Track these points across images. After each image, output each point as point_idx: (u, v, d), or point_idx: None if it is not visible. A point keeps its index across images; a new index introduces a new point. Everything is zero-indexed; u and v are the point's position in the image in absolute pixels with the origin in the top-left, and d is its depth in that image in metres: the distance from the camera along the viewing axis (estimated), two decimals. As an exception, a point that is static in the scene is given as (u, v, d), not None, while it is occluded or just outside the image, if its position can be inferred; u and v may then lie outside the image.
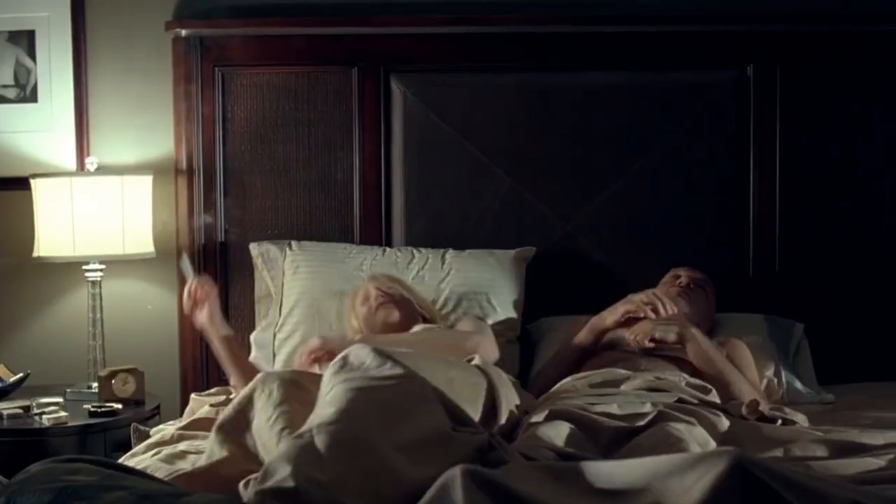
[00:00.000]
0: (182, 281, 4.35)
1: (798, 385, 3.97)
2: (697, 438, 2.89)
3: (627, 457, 2.79)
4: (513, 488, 2.13)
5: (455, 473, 2.10)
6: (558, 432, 2.89)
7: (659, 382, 3.42)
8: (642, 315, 3.77)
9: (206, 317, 3.78)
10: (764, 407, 3.35)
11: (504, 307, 4.19)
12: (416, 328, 3.79)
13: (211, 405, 3.52)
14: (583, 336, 3.85)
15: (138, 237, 4.29)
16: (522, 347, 4.20)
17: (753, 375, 3.79)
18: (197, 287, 3.77)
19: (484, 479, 2.10)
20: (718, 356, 3.66)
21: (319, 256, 4.25)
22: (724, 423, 3.16)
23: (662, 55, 4.45)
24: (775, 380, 3.94)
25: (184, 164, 4.41)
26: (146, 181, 4.35)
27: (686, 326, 3.69)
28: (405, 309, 3.87)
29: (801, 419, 3.35)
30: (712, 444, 2.90)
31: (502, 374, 3.18)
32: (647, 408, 3.07)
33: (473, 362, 3.18)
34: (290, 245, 4.30)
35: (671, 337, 3.66)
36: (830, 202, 4.44)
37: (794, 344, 4.18)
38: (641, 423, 2.99)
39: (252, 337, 4.23)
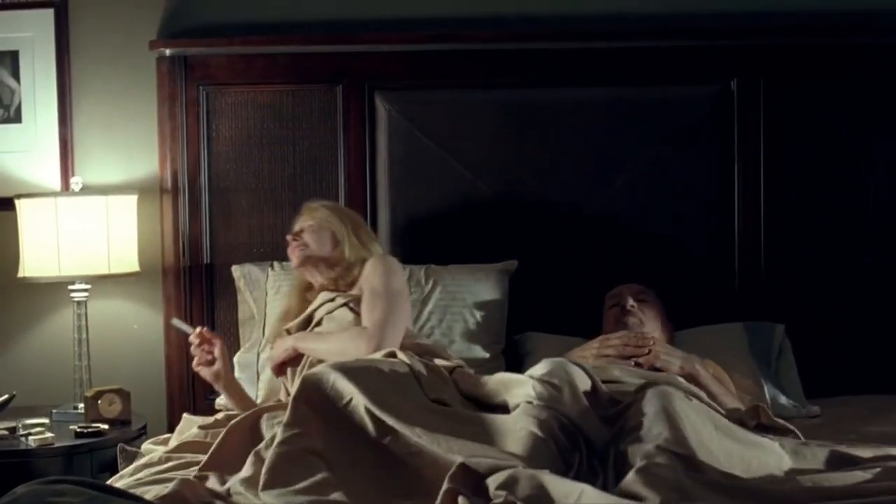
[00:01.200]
0: (169, 301, 4.37)
1: (783, 399, 3.98)
2: (690, 417, 2.89)
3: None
4: None
5: None
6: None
7: (656, 376, 3.44)
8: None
9: (213, 374, 3.78)
10: (766, 416, 3.36)
11: (488, 321, 4.19)
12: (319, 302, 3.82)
13: (200, 427, 3.51)
14: None
15: (123, 257, 4.28)
16: (509, 359, 4.20)
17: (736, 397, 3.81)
18: (203, 341, 3.77)
19: None
20: (717, 388, 3.67)
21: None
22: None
23: (645, 70, 4.46)
24: (756, 396, 3.94)
25: (169, 184, 4.41)
26: (131, 201, 4.35)
27: (689, 359, 3.68)
28: (314, 251, 3.87)
29: (794, 429, 3.35)
30: (700, 424, 2.90)
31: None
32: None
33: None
34: (272, 266, 4.30)
35: (674, 368, 3.65)
36: (815, 215, 4.45)
37: (776, 347, 4.19)
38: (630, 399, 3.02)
39: (235, 358, 4.22)
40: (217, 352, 3.77)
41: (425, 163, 4.43)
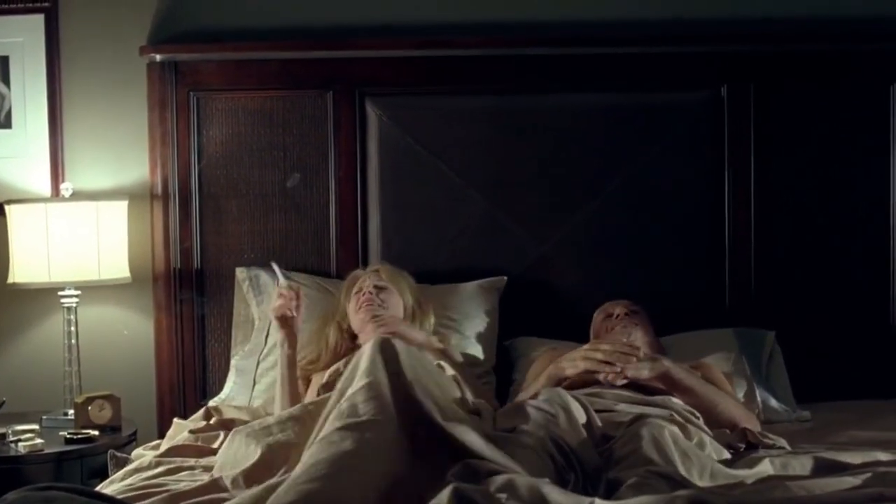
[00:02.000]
0: (159, 307, 4.37)
1: (773, 403, 3.99)
2: (680, 443, 2.89)
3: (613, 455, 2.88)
4: None
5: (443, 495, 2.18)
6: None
7: (647, 399, 3.44)
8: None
9: (286, 323, 3.74)
10: (753, 436, 3.36)
11: (478, 338, 4.20)
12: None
13: (190, 431, 3.50)
14: (542, 384, 3.68)
15: (114, 263, 4.28)
16: (500, 364, 4.21)
17: (732, 393, 3.80)
18: (290, 291, 3.75)
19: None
20: (696, 381, 3.64)
21: (310, 292, 4.19)
22: (709, 441, 3.18)
23: (635, 77, 4.47)
24: (748, 400, 3.95)
25: (159, 189, 4.41)
26: (121, 206, 4.34)
27: (657, 360, 3.64)
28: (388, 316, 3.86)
29: (782, 443, 3.36)
30: (691, 450, 2.91)
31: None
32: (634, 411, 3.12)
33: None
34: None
35: (644, 374, 3.61)
36: (805, 221, 4.46)
37: (767, 353, 4.20)
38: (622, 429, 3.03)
39: (234, 362, 4.22)
40: (300, 311, 3.76)
41: (416, 169, 4.43)
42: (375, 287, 3.92)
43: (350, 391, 2.73)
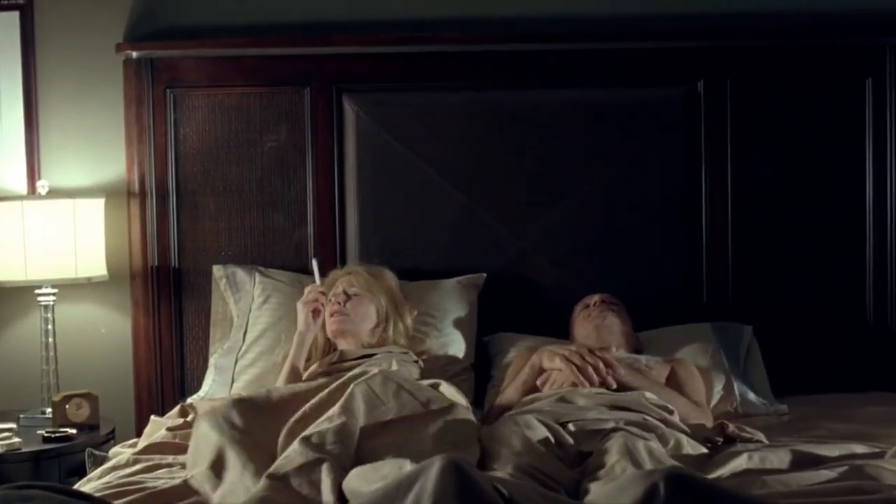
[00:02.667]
0: (136, 304, 4.36)
1: (751, 396, 4.00)
2: (654, 453, 2.90)
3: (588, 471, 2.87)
4: (481, 484, 2.21)
5: (435, 459, 2.22)
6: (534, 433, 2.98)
7: (621, 398, 3.44)
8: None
9: (309, 323, 3.89)
10: (732, 430, 3.37)
11: (457, 335, 4.19)
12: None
13: (168, 429, 3.50)
14: (528, 377, 3.76)
15: (91, 260, 4.26)
16: (479, 361, 4.21)
17: (700, 396, 3.81)
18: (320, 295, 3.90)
19: (458, 468, 2.21)
20: (648, 385, 3.67)
21: (288, 290, 4.24)
22: (685, 441, 3.19)
23: (612, 72, 4.47)
24: (726, 393, 3.97)
25: (136, 187, 4.40)
26: (98, 204, 4.33)
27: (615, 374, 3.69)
28: (355, 325, 3.92)
29: (760, 437, 3.38)
30: (667, 460, 2.92)
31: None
32: (609, 425, 3.11)
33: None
34: (259, 270, 4.30)
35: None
36: (782, 216, 4.47)
37: (744, 347, 4.22)
38: (598, 439, 3.03)
39: (213, 360, 4.21)
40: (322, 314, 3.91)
41: (394, 165, 4.43)
42: (345, 294, 3.95)
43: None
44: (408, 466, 2.55)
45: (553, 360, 3.69)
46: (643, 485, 2.24)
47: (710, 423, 3.55)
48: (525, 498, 2.33)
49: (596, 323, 3.97)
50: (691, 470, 2.53)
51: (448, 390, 3.37)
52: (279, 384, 3.77)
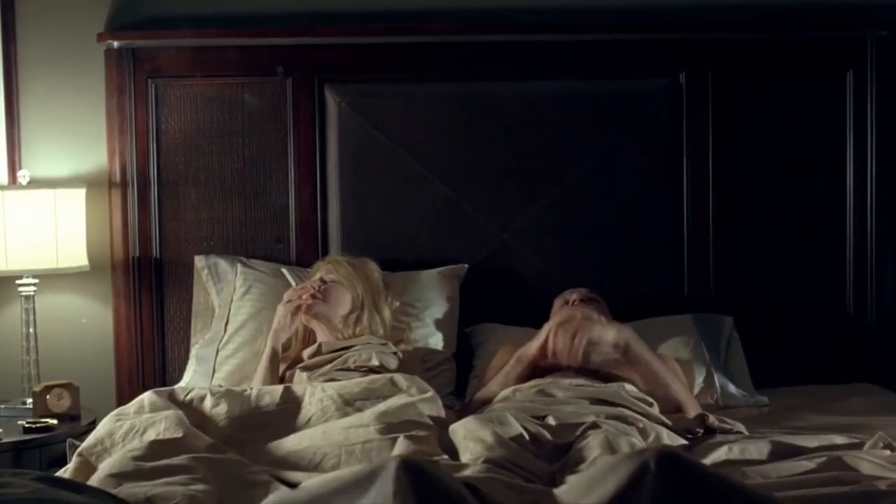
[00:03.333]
0: (118, 294, 4.36)
1: (732, 388, 4.02)
2: (636, 448, 2.90)
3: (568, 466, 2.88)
4: (442, 480, 2.21)
5: (391, 460, 2.20)
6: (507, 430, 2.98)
7: (601, 391, 3.45)
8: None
9: (289, 322, 3.88)
10: (713, 421, 3.38)
11: (438, 326, 4.19)
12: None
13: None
14: (514, 371, 3.77)
15: (72, 251, 4.25)
16: (460, 351, 4.21)
17: (682, 381, 3.84)
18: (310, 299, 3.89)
19: (417, 469, 2.19)
20: (653, 357, 3.71)
21: (270, 280, 4.25)
22: (665, 435, 3.20)
23: (595, 64, 4.48)
24: (706, 385, 3.98)
25: (117, 177, 4.38)
26: (79, 194, 4.32)
27: (624, 326, 3.71)
28: (328, 308, 3.93)
29: (740, 428, 3.39)
30: None
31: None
32: (589, 419, 3.11)
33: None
34: (240, 261, 4.29)
35: (610, 336, 3.67)
36: (763, 208, 4.48)
37: (725, 339, 4.24)
38: (577, 433, 3.03)
39: (194, 350, 4.21)
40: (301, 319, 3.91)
41: (376, 156, 4.42)
42: (322, 280, 3.97)
43: None
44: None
45: (530, 346, 3.73)
46: (634, 463, 2.24)
47: (695, 411, 3.56)
48: (491, 490, 2.33)
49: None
50: (682, 450, 2.53)
51: (402, 381, 3.39)
52: (256, 381, 3.79)
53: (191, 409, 3.25)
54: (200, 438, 3.03)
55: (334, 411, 3.23)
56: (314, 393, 3.32)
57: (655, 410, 3.45)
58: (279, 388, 3.37)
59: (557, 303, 4.11)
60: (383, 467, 2.19)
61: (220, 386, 3.61)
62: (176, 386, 3.72)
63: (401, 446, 2.93)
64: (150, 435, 3.04)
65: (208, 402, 3.28)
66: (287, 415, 3.27)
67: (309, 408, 3.27)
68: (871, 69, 4.46)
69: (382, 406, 3.19)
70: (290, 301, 3.90)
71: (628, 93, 4.46)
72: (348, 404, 3.25)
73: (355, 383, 3.36)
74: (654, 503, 2.17)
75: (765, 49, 4.48)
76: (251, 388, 3.42)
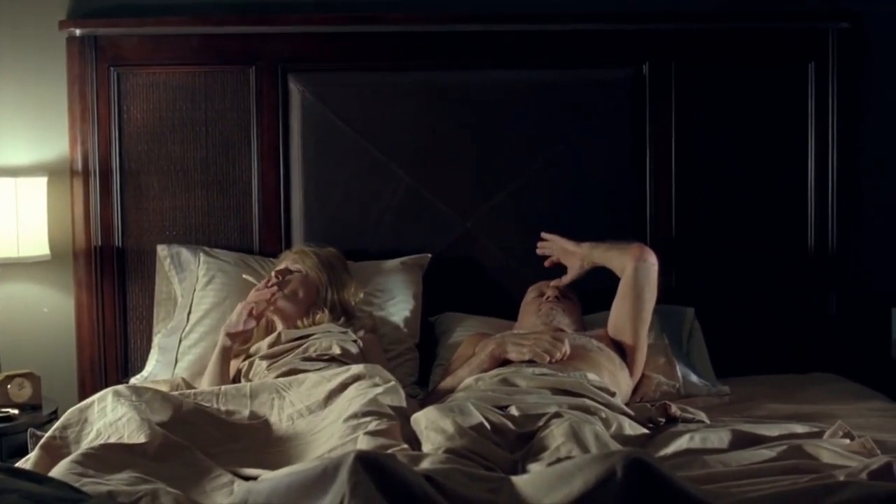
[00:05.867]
0: (80, 284, 4.33)
1: (693, 377, 4.04)
2: (601, 437, 2.91)
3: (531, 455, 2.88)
4: (400, 473, 2.21)
5: (348, 455, 2.20)
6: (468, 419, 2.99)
7: (563, 381, 3.46)
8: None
9: (243, 322, 3.83)
10: (675, 410, 3.40)
11: (401, 315, 4.21)
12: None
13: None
14: (484, 363, 3.75)
15: (33, 239, 4.23)
16: (425, 341, 4.23)
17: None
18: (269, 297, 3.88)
19: (375, 462, 2.19)
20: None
21: (233, 270, 4.24)
22: (627, 425, 3.22)
23: (559, 53, 4.49)
24: (668, 375, 4.01)
25: (79, 165, 4.36)
26: (41, 183, 4.30)
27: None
28: (288, 300, 3.94)
29: (702, 417, 3.41)
30: (612, 444, 2.93)
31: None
32: (552, 409, 3.12)
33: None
34: (203, 250, 4.28)
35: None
36: (725, 199, 4.51)
37: (687, 329, 4.27)
38: (540, 423, 3.04)
39: (157, 340, 4.19)
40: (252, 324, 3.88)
41: (340, 146, 4.42)
42: (287, 270, 3.98)
43: None
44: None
45: (522, 353, 3.70)
46: (601, 466, 2.23)
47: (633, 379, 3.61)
48: (450, 480, 2.33)
49: (544, 321, 3.97)
50: (652, 457, 2.53)
51: (364, 372, 3.39)
52: (205, 380, 3.80)
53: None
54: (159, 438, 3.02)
55: (304, 427, 3.25)
56: (283, 408, 3.32)
57: (618, 401, 3.46)
58: (247, 404, 3.36)
59: (531, 293, 4.12)
60: (341, 462, 2.19)
61: (189, 391, 3.52)
62: (141, 384, 3.71)
63: (362, 442, 2.93)
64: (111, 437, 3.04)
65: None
66: (259, 432, 3.27)
67: (279, 425, 3.27)
68: (832, 60, 4.49)
69: (344, 402, 3.21)
70: (248, 302, 3.89)
71: (592, 83, 4.47)
72: (313, 413, 3.28)
73: (321, 391, 3.35)
74: None
75: (728, 40, 4.51)
76: (219, 404, 3.38)
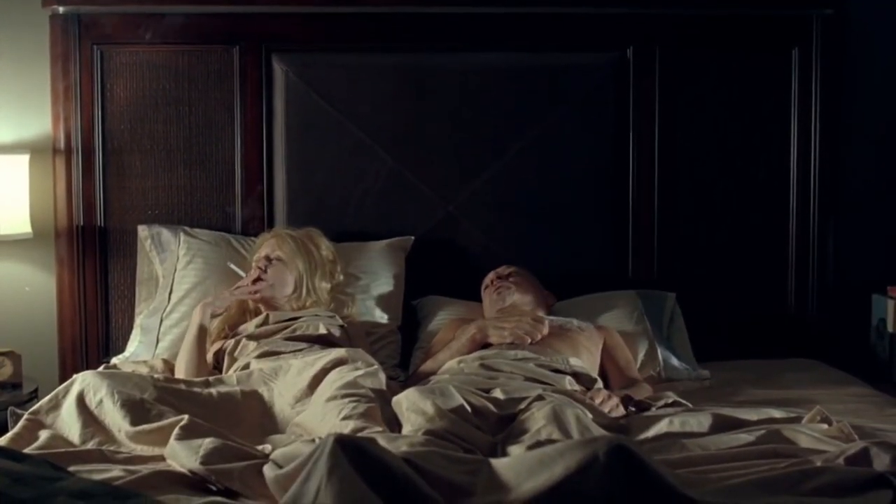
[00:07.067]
0: (61, 263, 4.32)
1: (674, 361, 4.06)
2: (582, 421, 2.92)
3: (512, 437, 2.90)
4: (380, 455, 2.22)
5: (328, 438, 2.21)
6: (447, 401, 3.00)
7: (545, 364, 3.47)
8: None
9: (222, 306, 3.90)
10: (642, 393, 3.42)
11: (384, 298, 4.21)
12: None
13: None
14: (464, 347, 3.79)
15: (15, 218, 4.22)
16: (407, 323, 4.23)
17: (632, 366, 3.92)
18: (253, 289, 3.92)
19: (354, 445, 2.20)
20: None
21: (213, 250, 4.24)
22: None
23: (543, 37, 4.48)
24: (649, 359, 4.02)
25: (62, 144, 4.34)
26: (22, 160, 4.28)
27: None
28: (273, 290, 3.95)
29: (669, 394, 3.44)
30: (594, 428, 2.94)
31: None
32: (535, 392, 3.13)
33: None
34: (184, 230, 4.27)
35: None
36: (707, 184, 4.51)
37: (668, 314, 4.27)
38: (522, 405, 3.05)
39: (139, 320, 4.19)
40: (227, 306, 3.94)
41: (323, 126, 4.41)
42: (267, 259, 3.97)
43: None
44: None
45: (503, 336, 3.73)
46: (583, 452, 2.22)
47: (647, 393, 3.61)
48: (428, 462, 2.34)
49: (498, 306, 3.98)
50: (635, 444, 2.54)
51: (347, 356, 3.40)
52: (180, 360, 3.81)
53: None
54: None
55: (292, 415, 3.29)
56: (273, 399, 3.35)
57: (600, 385, 3.48)
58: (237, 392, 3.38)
59: (483, 285, 4.14)
60: (321, 448, 2.20)
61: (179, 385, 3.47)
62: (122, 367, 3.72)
63: (340, 425, 2.94)
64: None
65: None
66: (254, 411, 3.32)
67: (271, 414, 3.32)
68: (816, 47, 4.50)
69: (326, 385, 3.22)
70: (238, 288, 3.92)
71: (575, 66, 4.47)
72: (300, 402, 3.30)
73: (304, 377, 3.35)
74: (600, 494, 2.18)
75: (712, 25, 4.51)
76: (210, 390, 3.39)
